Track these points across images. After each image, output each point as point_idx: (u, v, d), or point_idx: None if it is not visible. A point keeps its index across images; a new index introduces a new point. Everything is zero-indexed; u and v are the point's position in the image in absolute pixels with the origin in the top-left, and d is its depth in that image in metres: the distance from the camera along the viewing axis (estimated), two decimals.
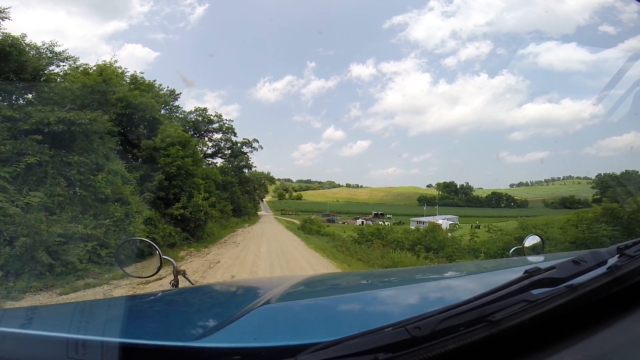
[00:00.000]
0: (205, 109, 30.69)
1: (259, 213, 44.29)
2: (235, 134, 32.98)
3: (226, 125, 31.97)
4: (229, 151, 33.66)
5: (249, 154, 35.04)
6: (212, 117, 31.20)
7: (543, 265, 0.64)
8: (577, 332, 0.58)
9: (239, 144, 33.85)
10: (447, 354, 0.50)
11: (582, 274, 0.61)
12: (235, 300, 1.17)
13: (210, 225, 16.90)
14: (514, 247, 1.73)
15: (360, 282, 1.39)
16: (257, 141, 35.03)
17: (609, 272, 0.63)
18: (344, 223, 45.12)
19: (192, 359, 0.55)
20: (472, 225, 35.43)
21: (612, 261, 0.65)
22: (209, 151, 32.18)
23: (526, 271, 0.62)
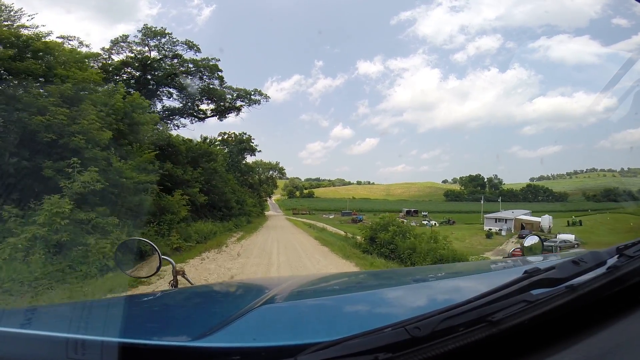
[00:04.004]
0: (164, 31, 17.07)
1: (266, 213, 41.65)
2: (222, 80, 19.74)
3: (207, 63, 19.10)
4: (212, 104, 20.69)
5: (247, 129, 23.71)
6: (175, 49, 17.64)
7: (543, 266, 0.68)
8: (577, 332, 0.61)
9: (226, 93, 19.80)
10: (446, 354, 0.54)
11: (582, 274, 0.65)
12: (235, 300, 1.23)
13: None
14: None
15: (360, 282, 1.45)
16: (260, 92, 21.89)
17: (608, 272, 0.66)
18: None
19: (192, 359, 0.59)
20: (568, 222, 31.13)
21: (611, 261, 0.68)
22: (177, 104, 19.62)
23: (526, 271, 0.65)
